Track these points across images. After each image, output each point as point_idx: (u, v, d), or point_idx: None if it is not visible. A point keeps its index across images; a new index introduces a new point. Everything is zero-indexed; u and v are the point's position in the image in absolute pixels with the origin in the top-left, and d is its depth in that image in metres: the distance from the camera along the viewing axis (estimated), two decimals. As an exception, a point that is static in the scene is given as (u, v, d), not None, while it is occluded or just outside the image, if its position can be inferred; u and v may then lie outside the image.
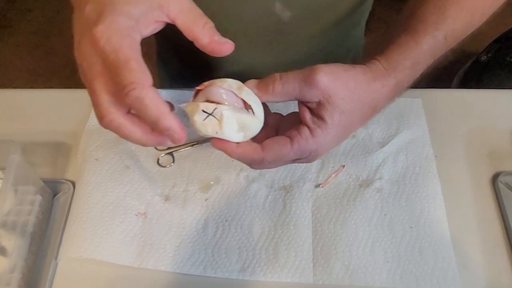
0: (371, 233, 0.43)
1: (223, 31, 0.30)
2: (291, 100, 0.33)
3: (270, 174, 0.48)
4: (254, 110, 0.32)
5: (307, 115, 0.32)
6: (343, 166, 0.48)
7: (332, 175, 0.47)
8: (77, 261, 0.44)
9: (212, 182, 0.48)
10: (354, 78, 0.32)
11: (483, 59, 0.87)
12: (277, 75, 0.32)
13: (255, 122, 0.33)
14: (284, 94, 0.32)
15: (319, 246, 0.43)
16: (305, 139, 0.32)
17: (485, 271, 0.42)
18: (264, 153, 0.32)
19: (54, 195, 0.48)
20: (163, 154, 0.51)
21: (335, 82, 0.31)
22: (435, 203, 0.45)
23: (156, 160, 0.50)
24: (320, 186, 0.47)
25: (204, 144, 0.51)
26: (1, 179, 0.45)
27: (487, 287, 0.41)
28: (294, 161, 0.34)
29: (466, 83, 0.93)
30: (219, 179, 0.48)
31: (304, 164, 0.48)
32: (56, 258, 0.44)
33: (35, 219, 0.44)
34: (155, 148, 0.51)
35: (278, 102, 0.33)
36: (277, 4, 0.45)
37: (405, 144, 0.49)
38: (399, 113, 0.51)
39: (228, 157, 0.50)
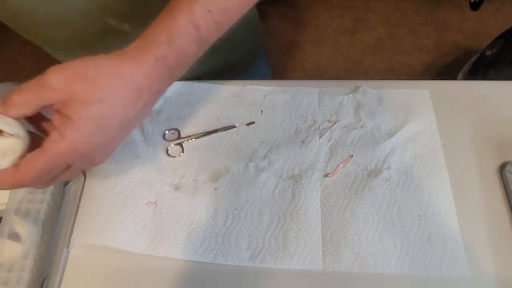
0: (380, 221, 0.44)
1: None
2: (40, 109, 0.31)
3: (279, 164, 0.49)
4: (8, 131, 0.30)
5: (56, 118, 0.31)
6: (352, 156, 0.48)
7: (341, 165, 0.48)
8: (89, 249, 0.44)
9: (221, 172, 0.49)
10: (95, 65, 0.30)
11: (488, 53, 0.87)
12: (18, 87, 0.30)
13: (16, 142, 0.31)
14: (26, 104, 0.30)
15: (329, 234, 0.44)
16: (54, 143, 0.30)
17: (493, 259, 0.42)
18: (20, 174, 0.30)
19: (65, 185, 0.49)
20: (172, 145, 0.51)
21: (70, 76, 0.30)
22: (443, 192, 0.45)
23: (165, 151, 0.51)
24: (329, 175, 0.47)
25: (213, 135, 0.52)
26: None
27: (495, 275, 0.41)
28: (68, 169, 0.32)
29: (472, 78, 0.93)
30: (228, 169, 0.49)
31: (313, 153, 0.49)
32: (68, 246, 0.45)
33: (47, 207, 0.44)
34: (164, 138, 0.52)
35: (27, 114, 0.31)
36: (111, 20, 0.45)
37: (413, 134, 0.49)
38: (406, 104, 0.52)
39: (237, 147, 0.51)
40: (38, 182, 0.32)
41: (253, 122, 0.52)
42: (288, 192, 0.47)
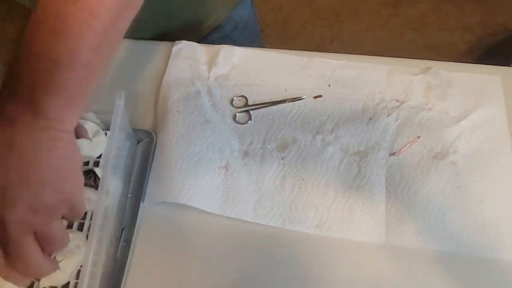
0: (443, 202, 0.45)
1: None
2: None
3: (346, 139, 0.50)
4: None
5: None
6: (419, 137, 0.49)
7: (407, 145, 0.49)
8: (161, 205, 0.47)
9: (288, 142, 0.50)
10: None
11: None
12: None
13: None
14: None
15: (393, 210, 0.46)
16: None
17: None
18: None
19: (138, 142, 0.51)
20: (240, 111, 0.52)
21: None
22: (508, 180, 0.46)
23: (233, 117, 0.52)
24: (395, 154, 0.48)
25: (280, 105, 0.52)
26: (94, 123, 0.48)
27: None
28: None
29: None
30: (296, 140, 0.50)
31: (380, 131, 0.50)
32: (143, 201, 0.47)
33: (124, 162, 0.47)
34: (231, 104, 0.53)
35: None
36: None
37: (481, 121, 0.49)
38: (477, 89, 0.51)
39: (304, 119, 0.52)
40: None
41: (321, 96, 0.53)
42: (353, 167, 0.48)
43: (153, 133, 0.51)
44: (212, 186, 0.47)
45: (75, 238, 0.42)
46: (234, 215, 0.45)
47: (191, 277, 0.44)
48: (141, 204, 0.47)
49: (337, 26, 1.48)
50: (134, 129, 0.51)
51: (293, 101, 0.53)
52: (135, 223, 0.46)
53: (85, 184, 0.45)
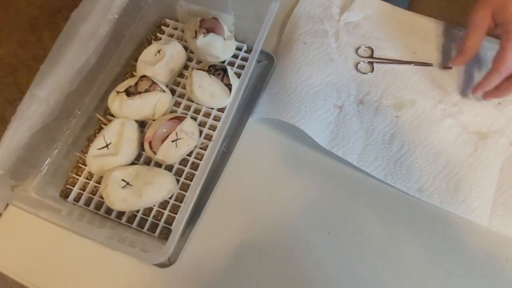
0: (561, 206, 0.43)
1: None
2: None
3: (468, 116, 0.48)
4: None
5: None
6: (548, 135, 0.46)
7: (534, 140, 0.46)
8: (267, 125, 0.47)
9: (406, 103, 0.48)
10: None
11: None
12: None
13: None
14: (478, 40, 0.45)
15: (502, 198, 0.43)
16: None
17: None
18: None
19: (257, 62, 0.51)
20: (363, 61, 0.51)
21: None
22: None
23: (355, 65, 0.51)
24: (518, 145, 0.46)
25: (406, 65, 0.51)
26: (229, 28, 0.48)
27: None
28: None
29: None
30: (414, 103, 0.48)
31: (507, 118, 0.47)
32: (251, 116, 0.48)
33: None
34: (356, 53, 0.52)
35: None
36: None
37: None
38: None
39: (429, 86, 0.50)
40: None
41: (451, 68, 0.50)
42: (470, 145, 0.46)
43: (274, 56, 0.51)
44: (325, 120, 0.46)
45: (191, 125, 0.43)
46: (340, 154, 0.45)
47: (273, 198, 0.44)
48: (249, 118, 0.48)
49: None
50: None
51: (419, 65, 0.51)
52: (240, 135, 0.47)
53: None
